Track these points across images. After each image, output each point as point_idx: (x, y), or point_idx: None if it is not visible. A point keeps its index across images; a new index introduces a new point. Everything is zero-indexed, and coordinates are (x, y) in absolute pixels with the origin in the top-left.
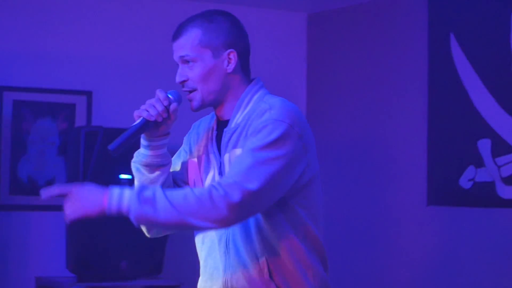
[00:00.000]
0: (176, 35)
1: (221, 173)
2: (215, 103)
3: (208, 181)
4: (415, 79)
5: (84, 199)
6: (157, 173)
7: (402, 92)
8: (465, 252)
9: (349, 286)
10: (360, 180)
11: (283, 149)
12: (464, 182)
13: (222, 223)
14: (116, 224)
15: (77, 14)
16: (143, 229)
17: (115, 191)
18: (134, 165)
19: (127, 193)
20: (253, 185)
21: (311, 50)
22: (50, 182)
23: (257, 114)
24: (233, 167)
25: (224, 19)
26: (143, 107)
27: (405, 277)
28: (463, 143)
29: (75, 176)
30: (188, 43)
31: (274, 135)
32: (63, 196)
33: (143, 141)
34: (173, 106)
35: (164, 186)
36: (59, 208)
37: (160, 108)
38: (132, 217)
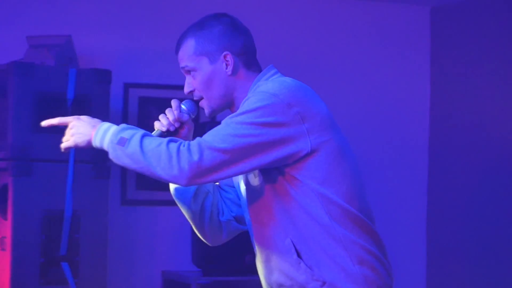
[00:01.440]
0: (176, 48)
1: None
2: (226, 106)
3: (238, 180)
4: None
5: (77, 131)
6: None
7: None
8: None
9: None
10: (484, 180)
11: (262, 117)
12: None
13: (181, 179)
14: None
15: (200, 10)
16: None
17: (103, 127)
18: None
19: (111, 131)
20: (218, 144)
21: (434, 45)
22: None
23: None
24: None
25: (215, 23)
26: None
27: None
28: None
29: None
30: (185, 54)
31: (252, 105)
32: (62, 126)
33: None
34: (180, 115)
35: (206, 193)
36: None
37: (171, 117)
38: (110, 157)
